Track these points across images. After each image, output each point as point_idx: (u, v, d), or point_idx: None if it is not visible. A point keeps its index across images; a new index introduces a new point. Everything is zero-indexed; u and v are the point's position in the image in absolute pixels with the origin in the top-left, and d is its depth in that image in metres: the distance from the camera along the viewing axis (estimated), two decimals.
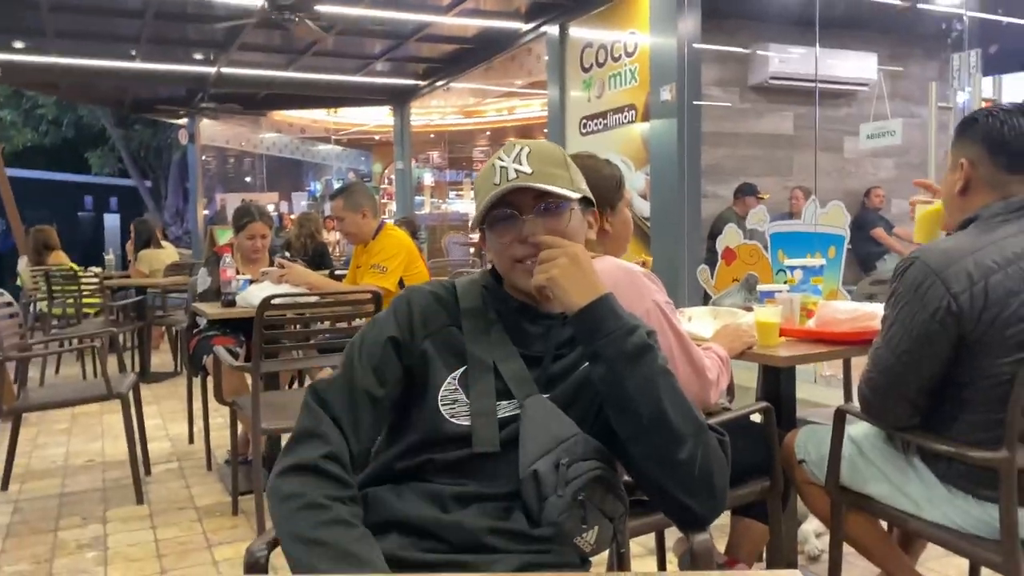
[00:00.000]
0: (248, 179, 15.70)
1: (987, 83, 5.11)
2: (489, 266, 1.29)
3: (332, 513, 1.04)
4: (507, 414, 1.16)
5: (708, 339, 1.99)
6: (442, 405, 1.16)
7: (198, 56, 8.24)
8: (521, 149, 1.20)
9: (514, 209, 1.18)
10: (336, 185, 13.54)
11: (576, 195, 1.21)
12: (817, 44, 4.61)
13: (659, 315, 1.71)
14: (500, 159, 1.20)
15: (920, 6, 6.22)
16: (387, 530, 1.11)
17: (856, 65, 7.08)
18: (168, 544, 2.85)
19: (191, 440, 4.17)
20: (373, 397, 1.15)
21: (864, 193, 7.27)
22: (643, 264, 2.28)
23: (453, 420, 1.15)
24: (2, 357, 3.25)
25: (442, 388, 1.16)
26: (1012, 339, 1.46)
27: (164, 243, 7.23)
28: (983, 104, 3.91)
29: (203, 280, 3.76)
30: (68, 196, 19.59)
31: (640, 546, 2.60)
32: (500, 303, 1.24)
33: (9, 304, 3.55)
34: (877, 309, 1.94)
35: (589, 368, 1.15)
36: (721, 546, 2.22)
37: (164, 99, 10.87)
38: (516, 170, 1.18)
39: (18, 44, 7.61)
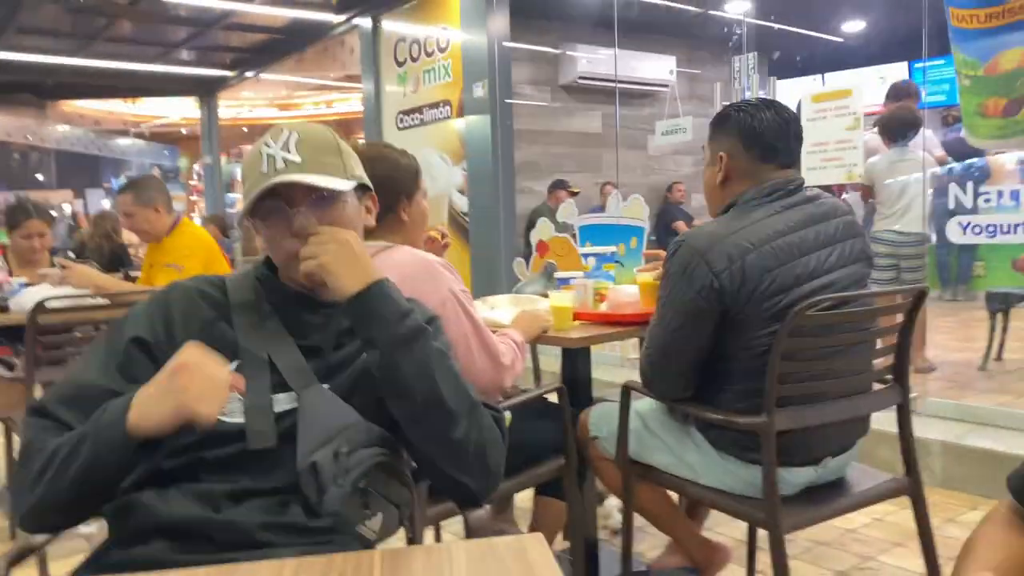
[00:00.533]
0: (38, 176, 14.31)
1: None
2: (263, 256, 1.25)
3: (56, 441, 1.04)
4: (284, 408, 1.12)
5: (507, 325, 2.04)
6: None
7: None
8: (290, 135, 1.16)
9: (283, 201, 1.14)
10: None
11: (349, 185, 1.19)
12: (616, 46, 4.84)
13: (455, 303, 1.73)
14: (267, 145, 1.16)
15: (710, 12, 6.70)
16: (150, 537, 1.04)
17: (656, 66, 7.53)
18: None
19: None
20: (113, 393, 1.08)
21: (666, 188, 7.76)
22: (442, 236, 2.30)
23: (224, 418, 1.10)
24: None
25: None
26: (766, 313, 1.60)
27: None
28: None
29: None
30: None
31: (453, 534, 2.62)
32: (275, 294, 1.20)
33: None
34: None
35: (367, 355, 1.14)
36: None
37: None
38: (284, 159, 1.14)
39: None
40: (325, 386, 1.15)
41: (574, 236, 4.21)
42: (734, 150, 1.74)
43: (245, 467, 1.09)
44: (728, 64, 8.01)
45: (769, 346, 1.59)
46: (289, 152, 1.14)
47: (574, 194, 6.85)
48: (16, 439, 2.92)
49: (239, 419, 1.11)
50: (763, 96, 4.02)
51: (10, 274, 3.24)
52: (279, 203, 1.14)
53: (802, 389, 1.65)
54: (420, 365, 1.09)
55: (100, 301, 3.02)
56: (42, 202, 4.46)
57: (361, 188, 1.24)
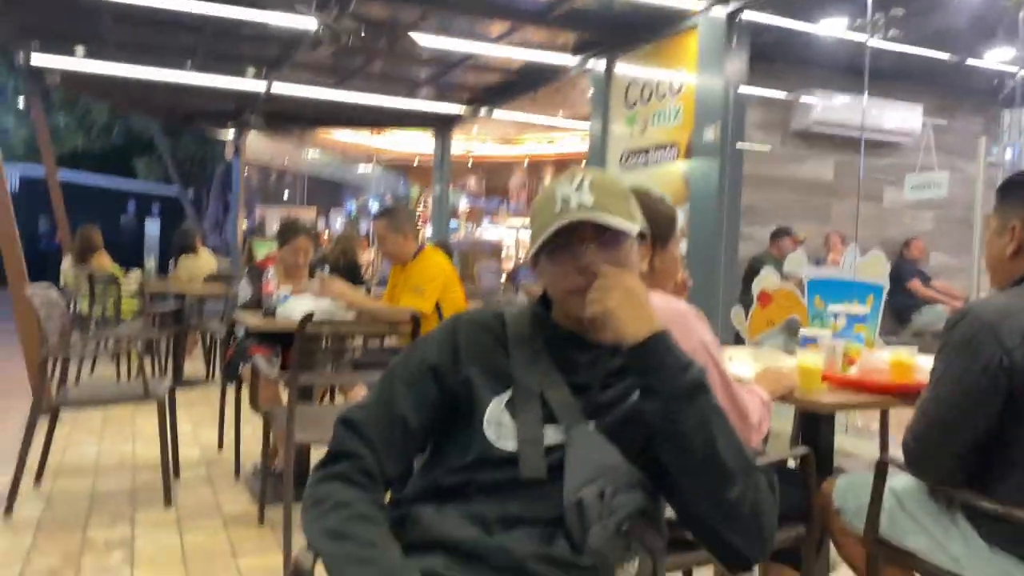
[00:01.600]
0: (288, 193, 15.91)
1: None
2: (539, 293, 1.31)
3: (357, 509, 1.11)
4: (553, 441, 1.16)
5: (748, 380, 1.98)
6: (487, 429, 1.17)
7: (250, 72, 8.42)
8: (583, 178, 1.20)
9: (574, 238, 1.19)
10: (373, 205, 13.73)
11: (636, 228, 1.22)
12: (866, 93, 4.60)
13: (705, 354, 1.71)
14: (561, 187, 1.21)
15: (970, 61, 6.19)
16: (432, 548, 1.12)
17: (901, 116, 7.06)
18: (193, 550, 2.87)
19: (220, 447, 4.21)
20: (408, 421, 1.20)
21: (903, 244, 7.20)
22: (683, 280, 2.28)
23: (497, 444, 1.16)
24: (47, 353, 3.32)
25: (488, 412, 1.18)
26: None
27: (202, 249, 7.27)
28: None
29: (244, 291, 3.83)
30: (112, 201, 19.97)
31: None
32: (549, 331, 1.25)
33: (57, 303, 3.62)
34: (916, 359, 1.94)
35: (640, 401, 1.16)
36: None
37: (213, 113, 11.11)
38: (578, 200, 1.19)
39: (79, 52, 7.82)
40: (591, 424, 1.18)
41: (801, 288, 4.02)
42: None
43: (515, 494, 1.14)
44: (985, 115, 7.37)
45: None
46: (582, 193, 1.19)
47: (799, 242, 6.55)
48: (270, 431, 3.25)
49: (510, 446, 1.16)
50: None
51: (278, 285, 3.62)
52: (570, 240, 1.19)
53: None
54: (700, 420, 1.09)
55: (349, 315, 3.31)
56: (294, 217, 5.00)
57: (640, 235, 1.26)
